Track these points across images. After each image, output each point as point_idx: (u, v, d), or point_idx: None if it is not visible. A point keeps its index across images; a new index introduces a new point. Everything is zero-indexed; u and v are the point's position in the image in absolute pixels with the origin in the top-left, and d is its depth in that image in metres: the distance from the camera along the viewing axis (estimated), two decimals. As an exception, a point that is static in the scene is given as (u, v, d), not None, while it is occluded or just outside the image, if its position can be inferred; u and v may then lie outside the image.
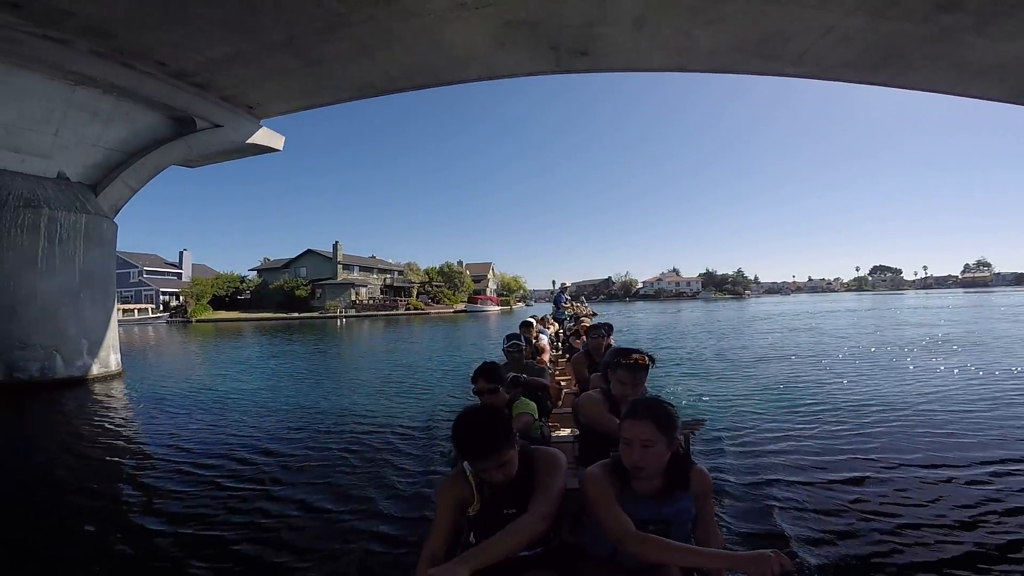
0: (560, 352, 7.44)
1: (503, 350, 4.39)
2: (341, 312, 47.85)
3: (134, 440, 6.06)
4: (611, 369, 2.50)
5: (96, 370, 10.28)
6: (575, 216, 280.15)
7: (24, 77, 8.64)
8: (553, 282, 9.08)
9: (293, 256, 56.91)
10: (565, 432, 3.62)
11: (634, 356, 2.41)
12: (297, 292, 49.78)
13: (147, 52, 9.43)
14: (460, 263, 70.89)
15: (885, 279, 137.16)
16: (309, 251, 55.70)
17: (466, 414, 1.58)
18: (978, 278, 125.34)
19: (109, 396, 8.90)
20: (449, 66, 10.24)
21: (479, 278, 73.96)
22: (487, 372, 2.89)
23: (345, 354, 17.47)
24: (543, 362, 4.50)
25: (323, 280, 52.38)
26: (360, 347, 20.13)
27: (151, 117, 10.75)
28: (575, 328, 8.03)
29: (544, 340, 5.87)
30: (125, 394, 9.12)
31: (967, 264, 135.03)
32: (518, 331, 5.01)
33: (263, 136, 12.59)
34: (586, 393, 2.83)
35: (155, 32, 8.80)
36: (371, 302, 53.63)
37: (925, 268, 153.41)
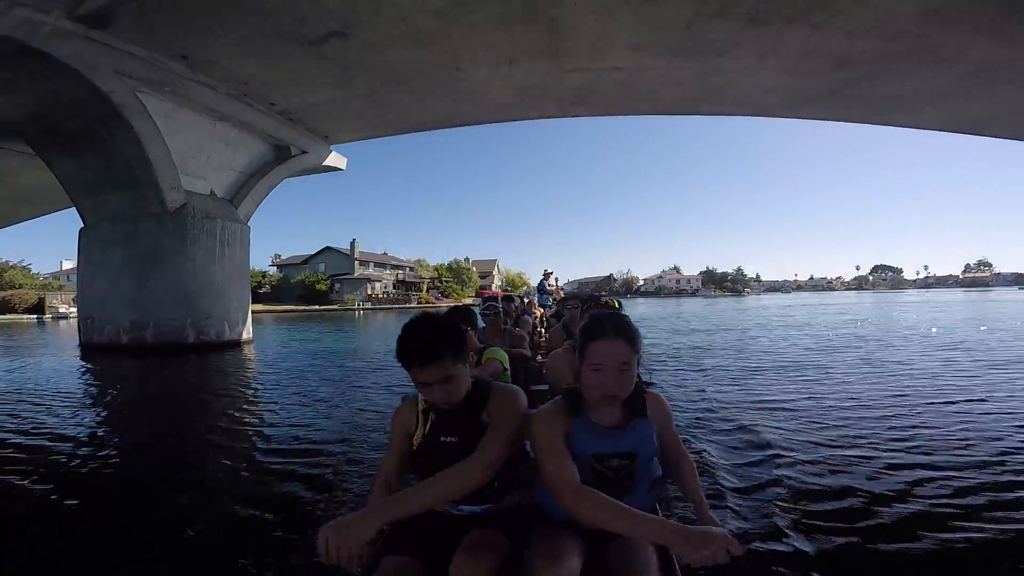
0: (544, 336, 7.45)
1: (479, 313, 4.08)
2: (359, 305, 51.59)
3: (280, 384, 8.08)
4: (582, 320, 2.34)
5: (244, 336, 14.01)
6: (577, 214, 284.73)
7: (186, 114, 12.42)
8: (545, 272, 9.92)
9: (312, 253, 60.86)
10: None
11: (603, 299, 2.39)
12: (318, 286, 53.64)
13: (265, 96, 13.26)
14: (467, 260, 74.73)
15: (886, 278, 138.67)
16: (328, 248, 59.66)
17: (414, 318, 1.35)
18: (979, 278, 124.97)
19: (256, 354, 12.26)
20: (481, 112, 14.11)
21: (485, 274, 77.61)
22: (461, 310, 2.84)
23: (382, 338, 21.22)
24: (522, 332, 4.35)
25: (341, 275, 56.19)
26: (389, 333, 23.84)
27: (261, 145, 14.60)
28: (556, 309, 7.92)
29: (527, 319, 5.97)
30: (262, 352, 12.53)
31: (968, 264, 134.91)
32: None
33: (333, 159, 16.52)
34: (552, 352, 2.77)
35: (277, 83, 12.61)
36: (385, 296, 57.35)
37: (926, 267, 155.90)
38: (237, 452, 4.39)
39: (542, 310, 9.35)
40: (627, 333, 1.30)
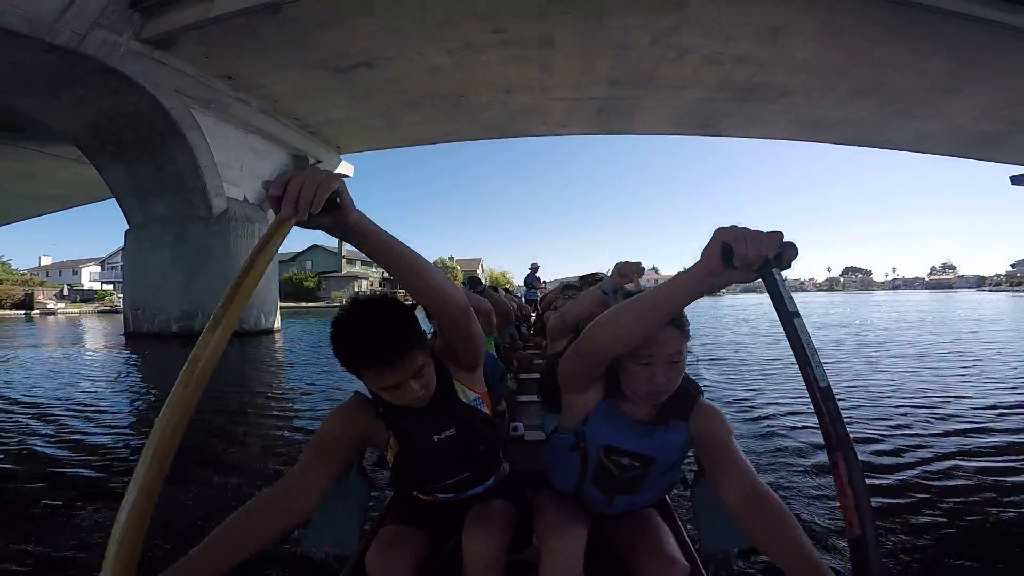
0: (532, 331, 7.08)
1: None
2: (346, 302, 53.16)
3: (316, 362, 9.82)
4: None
5: (275, 325, 16.04)
6: (560, 217, 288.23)
7: (225, 127, 14.30)
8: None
9: (299, 251, 62.11)
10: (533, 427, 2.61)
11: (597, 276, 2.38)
12: (306, 283, 55.12)
13: (292, 111, 15.25)
14: (451, 259, 76.60)
15: (856, 279, 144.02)
16: (315, 246, 60.98)
17: (352, 305, 1.03)
18: (943, 280, 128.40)
19: (285, 341, 14.08)
20: (478, 130, 16.49)
21: (470, 272, 79.71)
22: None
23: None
24: (508, 319, 4.14)
25: (328, 273, 57.66)
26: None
27: (282, 155, 16.53)
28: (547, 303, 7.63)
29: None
30: (290, 340, 14.32)
31: (933, 267, 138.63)
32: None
33: (343, 167, 18.61)
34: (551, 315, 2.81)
35: (305, 101, 14.60)
36: (372, 293, 58.95)
37: (894, 270, 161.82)
38: (285, 417, 5.57)
39: (529, 306, 9.01)
40: (678, 318, 1.08)
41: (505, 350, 3.65)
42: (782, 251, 0.76)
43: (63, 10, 9.16)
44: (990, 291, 74.56)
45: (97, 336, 16.28)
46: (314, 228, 0.79)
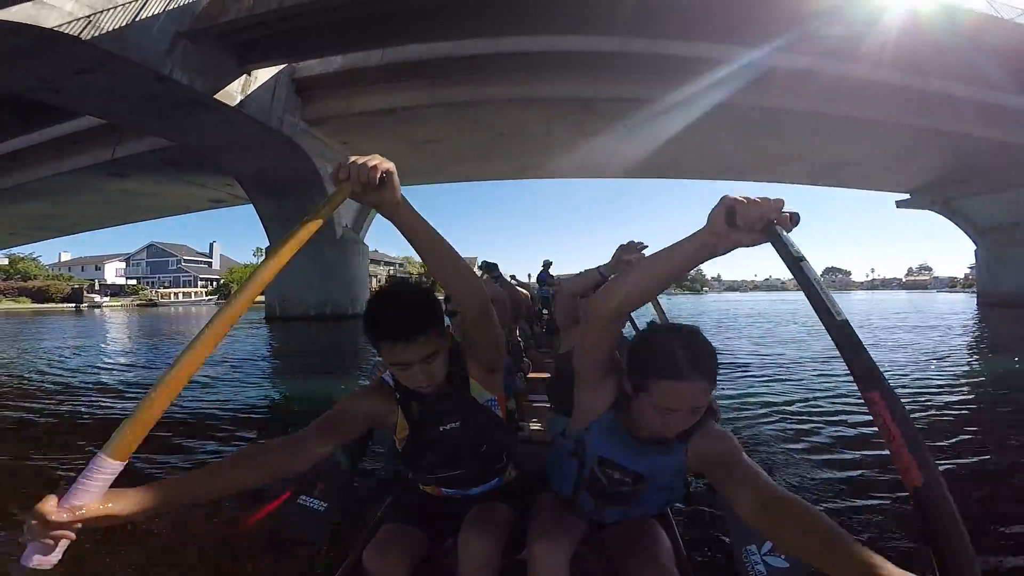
0: (544, 330, 6.99)
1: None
2: (384, 283, 59.60)
3: None
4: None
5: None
6: (551, 218, 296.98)
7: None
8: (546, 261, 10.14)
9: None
10: (538, 427, 2.88)
11: None
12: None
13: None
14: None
15: (835, 280, 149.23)
16: (327, 245, 67.06)
17: (385, 287, 1.24)
18: (919, 280, 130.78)
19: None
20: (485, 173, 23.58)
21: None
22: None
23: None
24: (521, 311, 4.10)
25: (337, 270, 63.93)
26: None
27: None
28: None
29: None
30: None
31: (911, 267, 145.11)
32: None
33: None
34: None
35: (381, 154, 21.44)
36: (407, 277, 65.24)
37: (873, 271, 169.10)
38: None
39: (540, 304, 8.85)
40: (709, 369, 1.06)
41: (516, 346, 3.59)
42: (785, 215, 0.81)
43: (275, 102, 15.66)
44: (948, 291, 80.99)
45: (247, 320, 22.73)
46: (365, 203, 1.00)
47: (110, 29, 10.77)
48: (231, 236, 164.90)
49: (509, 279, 5.59)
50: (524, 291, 5.42)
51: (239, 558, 2.24)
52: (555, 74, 15.29)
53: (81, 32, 10.36)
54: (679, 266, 0.96)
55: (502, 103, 16.46)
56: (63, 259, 68.77)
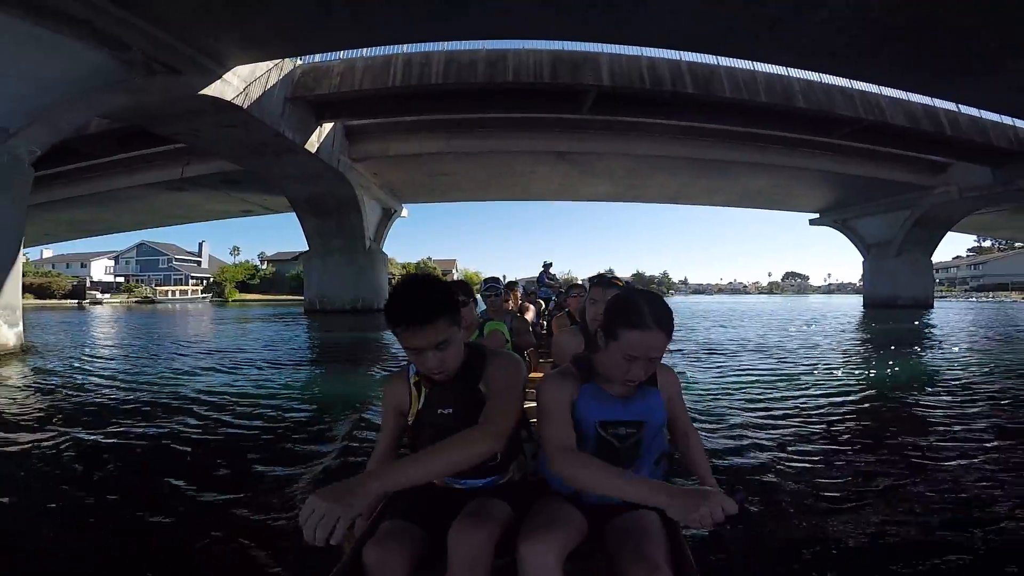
0: (544, 330, 6.83)
1: (480, 294, 3.93)
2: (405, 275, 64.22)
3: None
4: (586, 293, 2.59)
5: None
6: (525, 223, 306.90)
7: (371, 202, 27.01)
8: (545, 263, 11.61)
9: (303, 250, 72.48)
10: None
11: (607, 276, 2.63)
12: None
13: (394, 189, 28.11)
14: (429, 259, 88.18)
15: (794, 284, 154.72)
16: (314, 247, 71.69)
17: (407, 277, 1.34)
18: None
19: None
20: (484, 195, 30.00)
21: (446, 272, 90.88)
22: (460, 284, 3.00)
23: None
24: (526, 318, 4.34)
25: (329, 271, 68.67)
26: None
27: (379, 207, 29.25)
28: (559, 302, 7.15)
29: (532, 312, 5.96)
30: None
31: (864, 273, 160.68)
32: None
33: (404, 212, 31.13)
34: (556, 336, 2.86)
35: (404, 186, 27.74)
36: (429, 270, 69.95)
37: (830, 275, 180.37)
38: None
39: (540, 303, 8.93)
40: (668, 325, 1.29)
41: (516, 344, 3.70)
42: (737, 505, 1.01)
43: (334, 146, 21.55)
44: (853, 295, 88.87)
45: (283, 315, 28.21)
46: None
47: (255, 98, 14.30)
48: (212, 236, 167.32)
49: (516, 284, 6.54)
50: (531, 306, 6.12)
51: (236, 553, 2.28)
52: (538, 133, 21.99)
53: (242, 102, 13.84)
54: (627, 496, 1.16)
55: (499, 152, 23.03)
56: (45, 256, 67.79)
